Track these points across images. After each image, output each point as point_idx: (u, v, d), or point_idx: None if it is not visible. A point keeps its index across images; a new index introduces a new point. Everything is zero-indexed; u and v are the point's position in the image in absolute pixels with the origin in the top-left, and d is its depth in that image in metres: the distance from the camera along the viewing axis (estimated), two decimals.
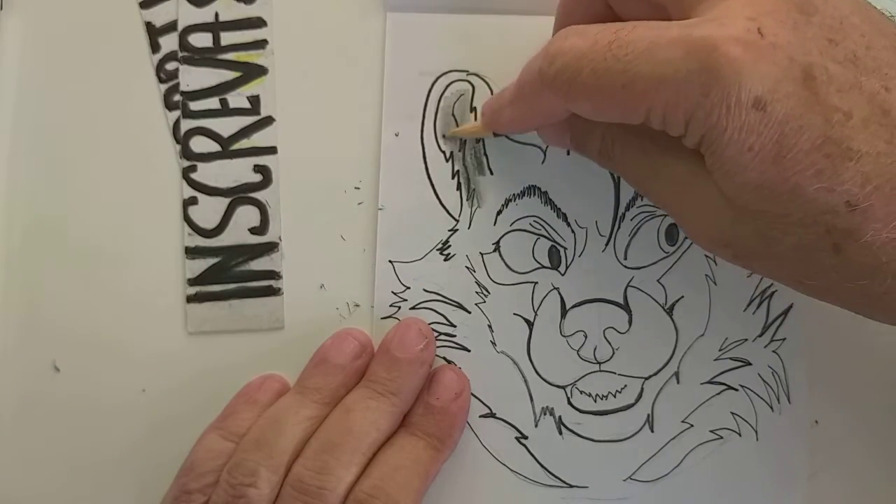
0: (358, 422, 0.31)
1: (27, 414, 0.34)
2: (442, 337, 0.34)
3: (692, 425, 0.34)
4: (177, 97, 0.35)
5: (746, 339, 0.34)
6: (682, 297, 0.34)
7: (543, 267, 0.34)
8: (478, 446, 0.34)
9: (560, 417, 0.34)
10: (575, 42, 0.26)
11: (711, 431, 0.34)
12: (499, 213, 0.34)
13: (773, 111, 0.23)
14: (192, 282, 0.34)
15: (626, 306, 0.34)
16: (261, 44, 0.35)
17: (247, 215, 0.35)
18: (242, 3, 0.35)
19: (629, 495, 0.34)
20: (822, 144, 0.23)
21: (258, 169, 0.35)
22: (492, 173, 0.35)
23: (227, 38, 0.35)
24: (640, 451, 0.34)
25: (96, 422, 0.34)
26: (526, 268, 0.34)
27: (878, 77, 0.23)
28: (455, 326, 0.34)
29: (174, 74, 0.35)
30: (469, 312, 0.34)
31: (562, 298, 0.34)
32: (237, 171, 0.35)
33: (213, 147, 0.35)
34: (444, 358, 0.34)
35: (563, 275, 0.34)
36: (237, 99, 0.35)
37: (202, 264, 0.35)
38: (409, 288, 0.34)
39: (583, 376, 0.34)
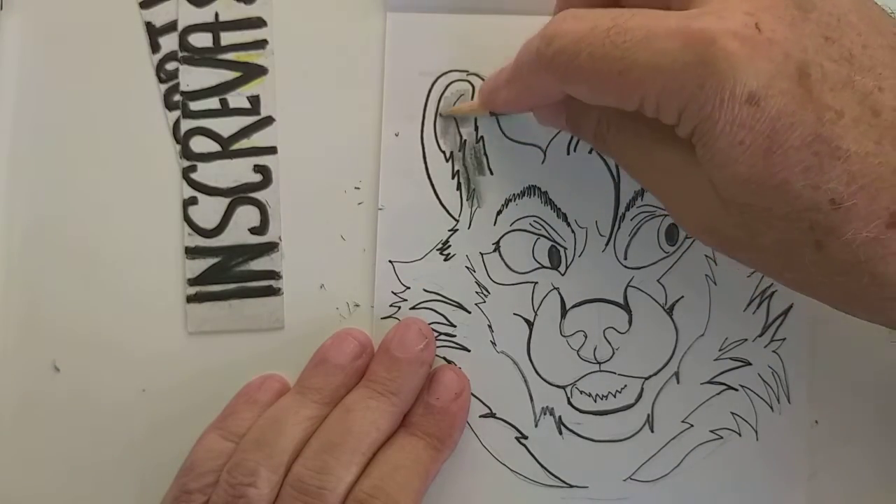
0: (358, 422, 0.31)
1: (27, 414, 0.34)
2: (442, 337, 0.34)
3: (692, 425, 0.34)
4: (177, 97, 0.35)
5: (746, 339, 0.34)
6: (682, 297, 0.34)
7: (543, 267, 0.34)
8: (478, 446, 0.34)
9: (560, 417, 0.34)
10: (573, 25, 0.26)
11: (711, 431, 0.34)
12: (499, 213, 0.34)
13: (766, 107, 0.23)
14: (192, 282, 0.34)
15: (626, 306, 0.34)
16: (261, 44, 0.35)
17: (247, 215, 0.35)
18: (242, 3, 0.35)
19: (629, 495, 0.34)
20: (812, 142, 0.23)
21: (258, 169, 0.35)
22: (492, 173, 0.35)
23: (227, 38, 0.35)
24: (640, 451, 0.34)
25: (96, 421, 0.34)
26: (526, 268, 0.34)
27: (873, 77, 0.24)
28: (455, 326, 0.34)
29: (174, 74, 0.35)
30: (469, 312, 0.34)
31: (562, 298, 0.34)
32: (237, 171, 0.35)
33: (213, 147, 0.35)
34: (444, 358, 0.34)
35: (563, 275, 0.34)
36: (237, 99, 0.35)
37: (202, 264, 0.35)
38: (409, 288, 0.34)
39: (583, 376, 0.34)
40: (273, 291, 0.35)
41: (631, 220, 0.34)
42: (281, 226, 0.35)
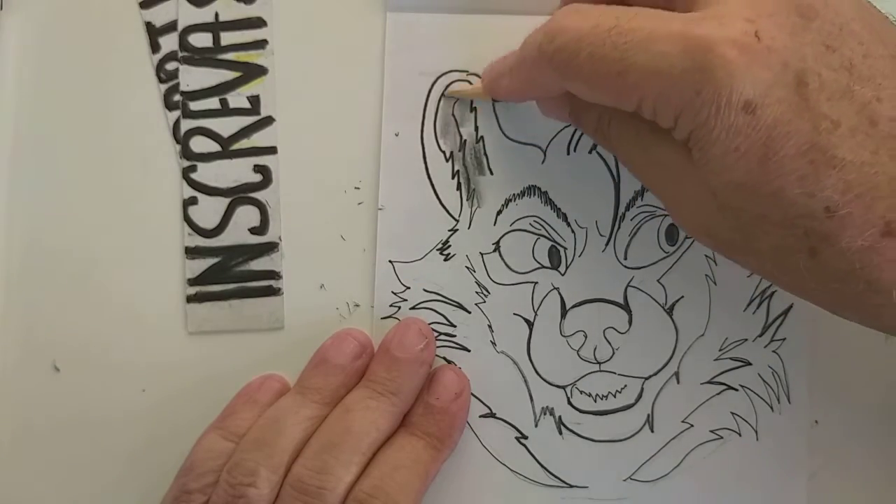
0: (358, 421, 0.31)
1: (27, 414, 0.34)
2: (442, 337, 0.34)
3: (692, 425, 0.34)
4: (177, 97, 0.35)
5: (746, 339, 0.34)
6: (682, 297, 0.34)
7: (543, 267, 0.34)
8: (478, 446, 0.34)
9: (560, 417, 0.34)
10: (576, 22, 0.26)
11: (711, 431, 0.34)
12: (499, 213, 0.34)
13: (762, 115, 0.23)
14: (192, 282, 0.35)
15: (626, 306, 0.34)
16: (261, 44, 0.35)
17: (247, 215, 0.35)
18: (242, 3, 0.35)
19: (629, 495, 0.34)
20: (807, 151, 0.23)
21: (258, 169, 0.35)
22: (492, 173, 0.35)
23: (227, 38, 0.35)
24: (640, 451, 0.34)
25: (96, 422, 0.34)
26: (526, 268, 0.34)
27: (872, 87, 0.24)
28: (455, 326, 0.34)
29: (174, 74, 0.35)
30: (469, 312, 0.34)
31: (562, 298, 0.34)
32: (237, 171, 0.35)
33: (213, 147, 0.35)
34: (444, 358, 0.34)
35: (563, 275, 0.34)
36: (237, 99, 0.35)
37: (202, 264, 0.35)
38: (409, 288, 0.34)
39: (583, 376, 0.34)
40: (273, 291, 0.35)
41: (631, 220, 0.34)
42: (281, 226, 0.35)
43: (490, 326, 0.34)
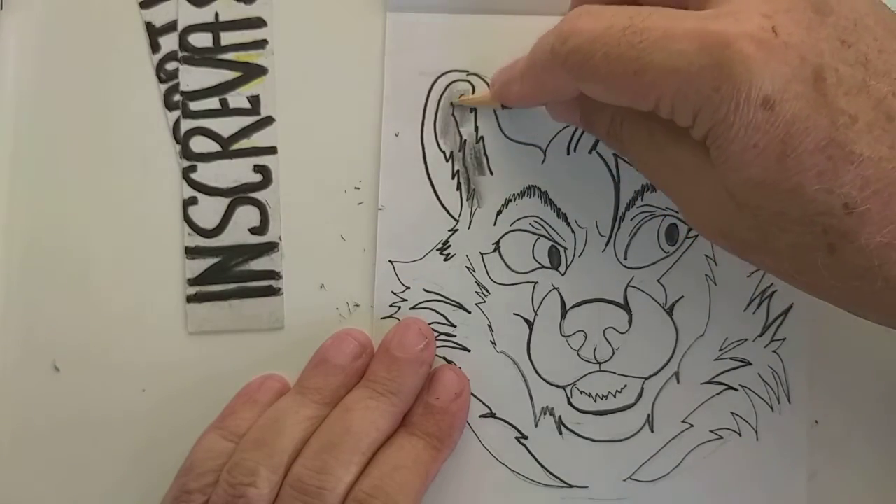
0: (357, 421, 0.31)
1: (27, 414, 0.34)
2: (442, 337, 0.34)
3: (692, 425, 0.34)
4: (177, 97, 0.35)
5: (746, 339, 0.34)
6: (682, 297, 0.34)
7: (543, 267, 0.34)
8: (478, 446, 0.34)
9: (560, 417, 0.34)
10: (589, 23, 0.26)
11: (711, 431, 0.34)
12: (499, 213, 0.34)
13: (780, 111, 0.23)
14: (192, 282, 0.35)
15: (626, 306, 0.34)
16: (261, 44, 0.35)
17: (247, 215, 0.35)
18: (242, 3, 0.35)
19: (629, 495, 0.34)
20: (825, 146, 0.23)
21: (258, 169, 0.35)
22: (492, 173, 0.35)
23: (227, 38, 0.35)
24: (640, 451, 0.34)
25: (96, 422, 0.34)
26: (526, 268, 0.34)
27: (888, 82, 0.23)
28: (455, 326, 0.34)
29: (174, 74, 0.35)
30: (469, 312, 0.34)
31: (562, 298, 0.34)
32: (237, 171, 0.35)
33: (213, 147, 0.35)
34: (444, 358, 0.34)
35: (563, 275, 0.34)
36: (237, 99, 0.35)
37: (202, 264, 0.35)
38: (409, 288, 0.34)
39: (583, 376, 0.34)
40: (273, 291, 0.35)
41: (631, 220, 0.34)
42: (281, 226, 0.35)
43: (490, 326, 0.34)
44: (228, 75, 0.35)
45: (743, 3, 0.24)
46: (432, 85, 0.35)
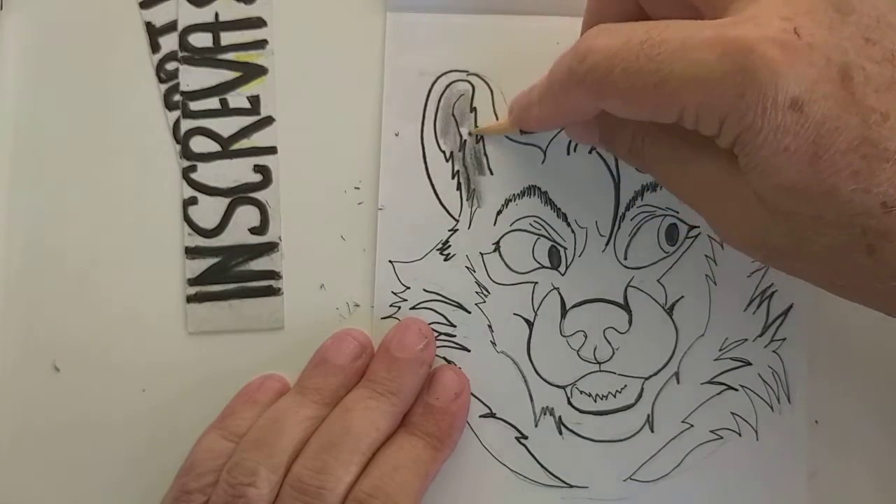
0: (357, 421, 0.31)
1: (27, 414, 0.34)
2: (442, 337, 0.34)
3: (692, 425, 0.34)
4: (177, 97, 0.35)
5: (746, 339, 0.34)
6: (682, 297, 0.34)
7: (543, 267, 0.34)
8: (478, 446, 0.34)
9: (560, 417, 0.34)
10: (606, 40, 0.26)
11: (711, 431, 0.34)
12: (499, 213, 0.34)
13: (809, 112, 0.23)
14: (192, 282, 0.35)
15: (626, 306, 0.34)
16: (261, 44, 0.35)
17: (247, 215, 0.35)
18: (242, 3, 0.35)
19: (629, 495, 0.34)
20: (858, 145, 0.23)
21: (258, 169, 0.35)
22: (492, 173, 0.35)
23: (227, 38, 0.35)
24: (640, 451, 0.34)
25: (96, 422, 0.34)
26: (526, 268, 0.34)
27: None
28: (455, 326, 0.34)
29: (174, 74, 0.35)
30: (469, 312, 0.34)
31: (562, 298, 0.34)
32: (237, 171, 0.35)
33: (213, 147, 0.35)
34: (444, 358, 0.34)
35: (563, 275, 0.34)
36: (237, 99, 0.35)
37: (202, 264, 0.35)
38: (409, 288, 0.34)
39: (583, 376, 0.34)
40: (273, 291, 0.35)
41: (631, 220, 0.34)
42: (281, 226, 0.35)
43: (490, 326, 0.34)
44: (228, 75, 0.35)
45: (761, 8, 0.24)
46: (432, 85, 0.35)
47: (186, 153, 0.35)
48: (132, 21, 0.35)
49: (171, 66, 0.35)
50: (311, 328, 0.34)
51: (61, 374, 0.34)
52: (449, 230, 0.34)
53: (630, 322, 0.34)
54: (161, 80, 0.35)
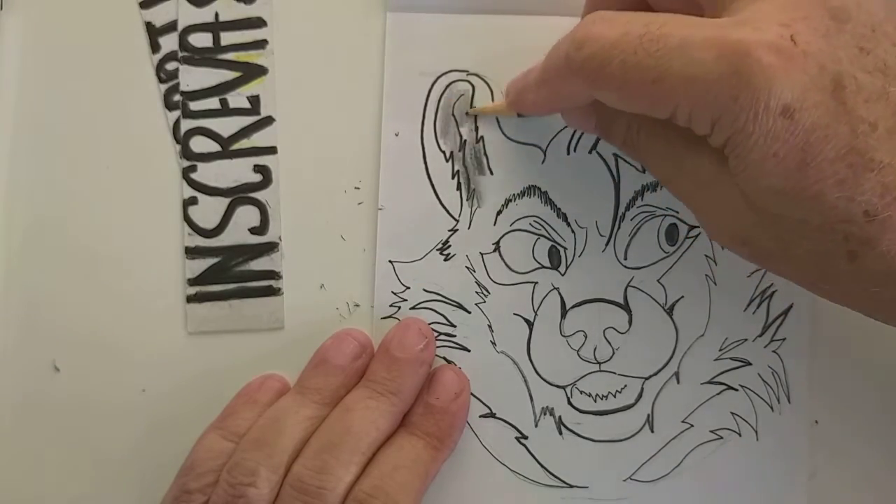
0: (357, 421, 0.31)
1: (27, 414, 0.34)
2: (442, 337, 0.34)
3: (692, 425, 0.34)
4: (177, 97, 0.35)
5: (746, 339, 0.34)
6: (682, 297, 0.34)
7: (543, 267, 0.34)
8: (478, 446, 0.34)
9: (560, 417, 0.34)
10: (604, 30, 0.26)
11: (711, 431, 0.34)
12: (499, 213, 0.34)
13: (800, 119, 0.23)
14: (192, 282, 0.35)
15: (626, 306, 0.34)
16: (261, 44, 0.35)
17: (247, 215, 0.35)
18: (242, 3, 0.35)
19: (629, 495, 0.34)
20: (846, 154, 0.23)
21: (258, 169, 0.35)
22: (492, 173, 0.35)
23: (227, 38, 0.35)
24: (640, 451, 0.34)
25: (96, 422, 0.34)
26: (526, 268, 0.34)
27: None
28: (455, 326, 0.34)
29: (174, 74, 0.35)
30: (469, 312, 0.34)
31: (562, 298, 0.34)
32: (237, 171, 0.35)
33: (213, 147, 0.35)
34: (444, 358, 0.34)
35: (563, 275, 0.34)
36: (237, 99, 0.35)
37: (202, 264, 0.35)
38: (409, 288, 0.34)
39: (583, 376, 0.34)
40: (273, 291, 0.35)
41: (631, 220, 0.34)
42: (281, 226, 0.35)
43: (490, 326, 0.34)
44: (228, 75, 0.35)
45: (761, 10, 0.24)
46: (432, 85, 0.35)
47: (186, 153, 0.35)
48: (132, 21, 0.35)
49: (171, 66, 0.35)
50: (311, 328, 0.34)
51: (61, 373, 0.34)
52: (449, 230, 0.34)
53: (630, 322, 0.34)
54: (161, 80, 0.35)
